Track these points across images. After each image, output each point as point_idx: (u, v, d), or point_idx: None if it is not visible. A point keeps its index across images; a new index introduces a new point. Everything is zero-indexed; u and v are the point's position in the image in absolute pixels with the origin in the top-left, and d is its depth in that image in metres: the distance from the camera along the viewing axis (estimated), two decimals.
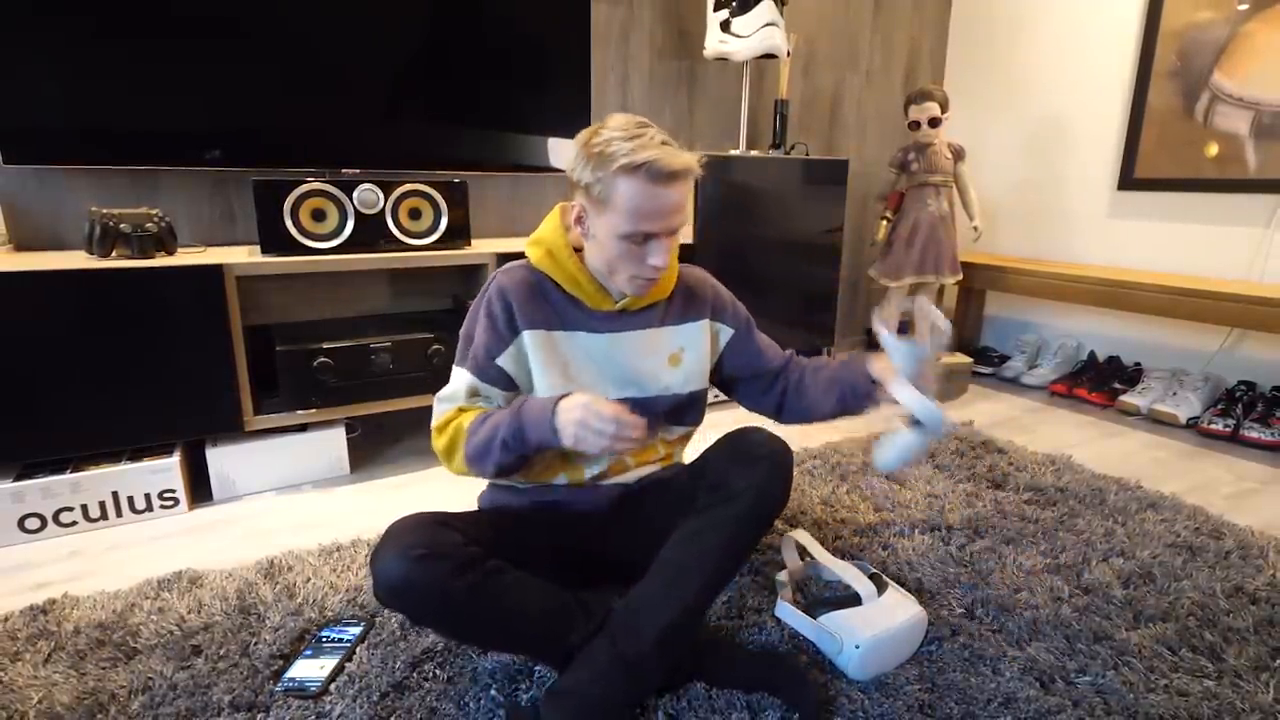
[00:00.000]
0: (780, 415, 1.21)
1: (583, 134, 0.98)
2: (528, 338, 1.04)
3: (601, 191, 0.94)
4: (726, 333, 1.17)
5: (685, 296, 1.14)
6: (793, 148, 2.38)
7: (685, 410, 1.15)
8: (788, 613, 1.09)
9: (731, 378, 1.21)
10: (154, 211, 1.56)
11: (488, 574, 0.90)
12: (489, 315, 1.04)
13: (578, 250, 1.07)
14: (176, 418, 1.54)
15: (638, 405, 1.08)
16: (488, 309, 1.05)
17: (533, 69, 2.00)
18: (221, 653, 1.05)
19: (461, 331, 1.08)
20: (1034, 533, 1.44)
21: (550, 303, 1.06)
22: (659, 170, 0.91)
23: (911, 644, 1.03)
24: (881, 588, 1.08)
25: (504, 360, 1.04)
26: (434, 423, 1.05)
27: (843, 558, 1.34)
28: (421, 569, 0.86)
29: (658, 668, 0.92)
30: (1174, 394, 2.22)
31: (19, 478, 1.44)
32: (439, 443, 1.03)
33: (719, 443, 1.06)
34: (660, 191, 0.93)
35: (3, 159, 1.52)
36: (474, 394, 1.05)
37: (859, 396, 1.10)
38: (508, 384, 1.05)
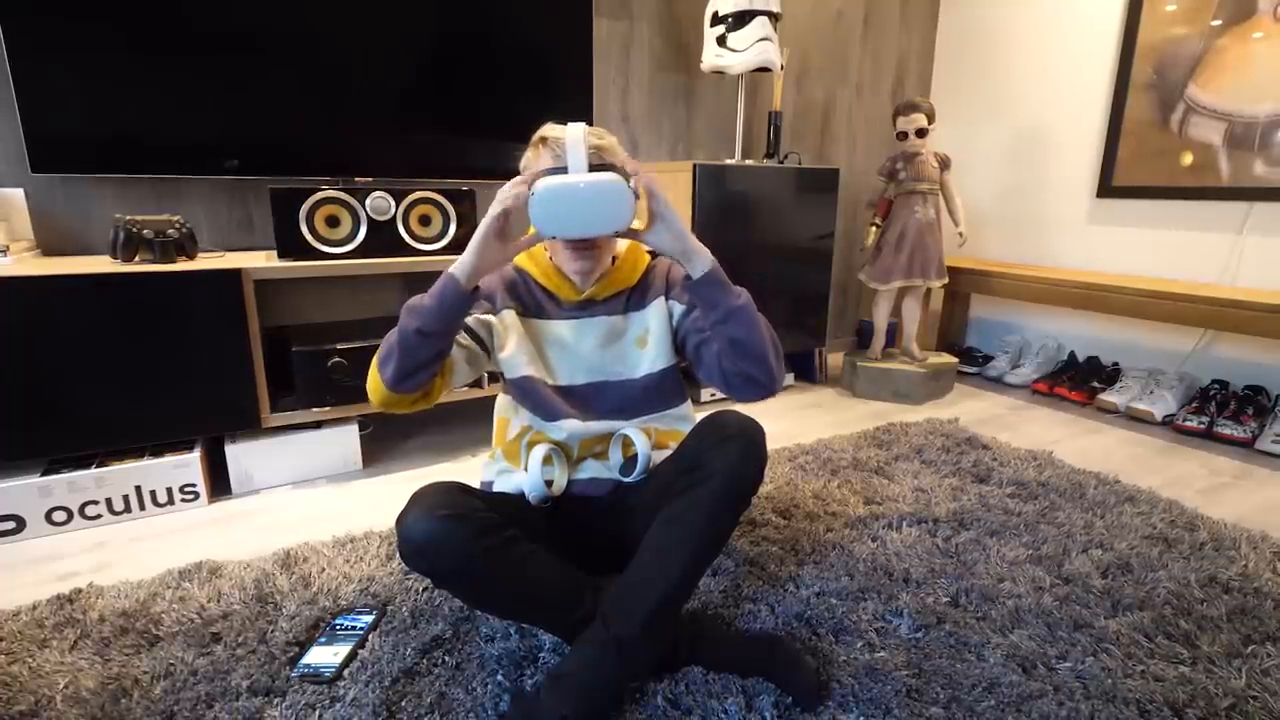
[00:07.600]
0: (724, 374, 1.05)
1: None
2: (506, 315, 1.11)
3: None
4: (678, 309, 1.15)
5: (647, 282, 1.17)
6: (786, 157, 2.41)
7: (661, 388, 1.17)
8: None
9: (693, 352, 1.14)
10: (175, 218, 1.59)
11: (506, 541, 0.95)
12: None
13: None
14: (197, 415, 1.57)
15: (610, 388, 1.14)
16: None
17: (538, 81, 2.04)
18: (240, 640, 1.07)
19: None
20: (1017, 525, 1.46)
21: (528, 294, 1.13)
22: None
23: (605, 212, 0.92)
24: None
25: (473, 319, 1.07)
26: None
27: (833, 550, 1.37)
28: (446, 528, 0.90)
29: (649, 647, 0.95)
30: (1150, 392, 2.26)
31: (46, 472, 1.46)
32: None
33: (696, 427, 1.08)
34: None
35: (31, 167, 1.55)
36: None
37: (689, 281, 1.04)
38: (472, 334, 1.08)
